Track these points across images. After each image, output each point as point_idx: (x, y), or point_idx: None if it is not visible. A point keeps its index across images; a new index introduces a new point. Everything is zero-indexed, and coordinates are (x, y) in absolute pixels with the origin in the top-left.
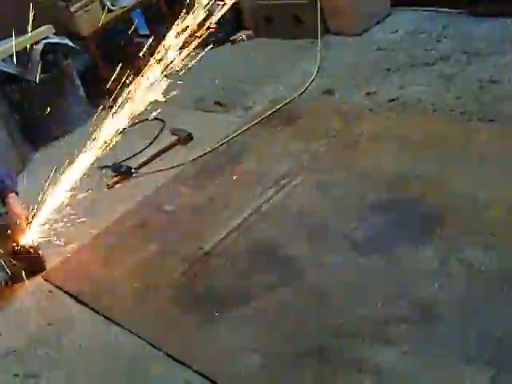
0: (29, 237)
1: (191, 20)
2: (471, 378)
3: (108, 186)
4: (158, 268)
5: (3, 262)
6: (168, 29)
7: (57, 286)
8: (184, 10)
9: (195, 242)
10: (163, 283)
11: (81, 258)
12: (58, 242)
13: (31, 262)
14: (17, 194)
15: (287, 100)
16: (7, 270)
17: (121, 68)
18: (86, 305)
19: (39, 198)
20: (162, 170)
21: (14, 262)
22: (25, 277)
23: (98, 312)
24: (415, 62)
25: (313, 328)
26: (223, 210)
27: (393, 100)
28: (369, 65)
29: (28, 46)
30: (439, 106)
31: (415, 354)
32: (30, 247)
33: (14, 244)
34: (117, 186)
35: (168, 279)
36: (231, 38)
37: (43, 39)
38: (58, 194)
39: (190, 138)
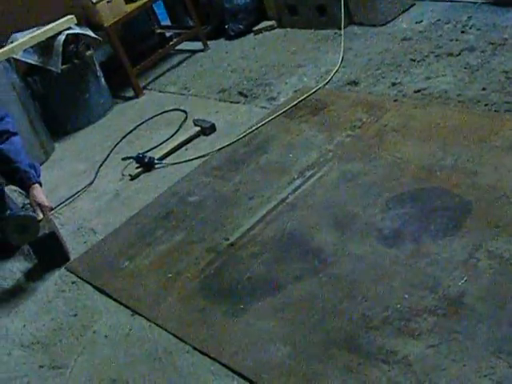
0: (52, 227)
1: None
2: (500, 371)
3: (131, 177)
4: (183, 259)
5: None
6: (190, 19)
7: (80, 277)
8: None
9: (221, 232)
10: (189, 274)
11: (105, 249)
12: (81, 233)
13: (54, 253)
14: (40, 184)
15: (312, 90)
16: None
17: (142, 58)
18: (110, 296)
19: (63, 189)
20: (185, 161)
21: (37, 252)
22: (48, 267)
23: (123, 303)
24: (440, 53)
25: (341, 319)
26: (249, 200)
27: (418, 91)
28: (393, 55)
29: (50, 36)
30: (465, 96)
31: (443, 346)
32: (54, 238)
33: (38, 235)
34: (140, 177)
35: (194, 270)
36: (254, 29)
37: (65, 30)
38: (81, 185)
39: (213, 128)
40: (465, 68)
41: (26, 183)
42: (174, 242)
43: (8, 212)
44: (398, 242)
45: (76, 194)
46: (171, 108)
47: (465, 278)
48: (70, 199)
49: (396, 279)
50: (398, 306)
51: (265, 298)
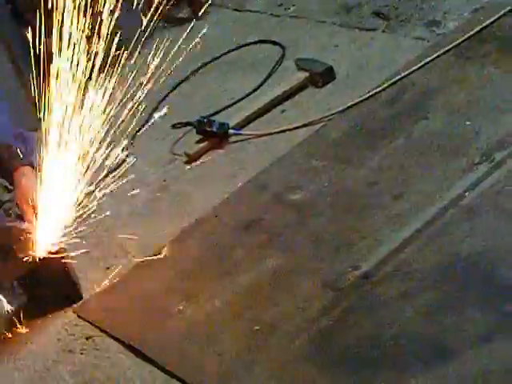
0: (48, 243)
1: None
2: None
3: (188, 157)
4: (279, 299)
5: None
6: None
7: (100, 328)
8: None
9: (345, 256)
10: (290, 327)
11: (143, 280)
12: (103, 252)
13: (56, 288)
14: (33, 167)
15: (501, 12)
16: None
17: None
18: (153, 363)
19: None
20: (281, 131)
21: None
22: (46, 310)
23: (176, 376)
24: None
25: None
26: (393, 201)
27: None
28: None
29: None
30: None
31: None
32: (53, 261)
33: (24, 255)
34: (203, 157)
35: (299, 320)
36: None
37: None
38: (102, 170)
39: (329, 74)
40: None
41: (7, 165)
42: (265, 270)
43: None
44: None
45: (94, 185)
46: (257, 39)
47: None
48: (84, 195)
49: None
50: None
51: (424, 370)
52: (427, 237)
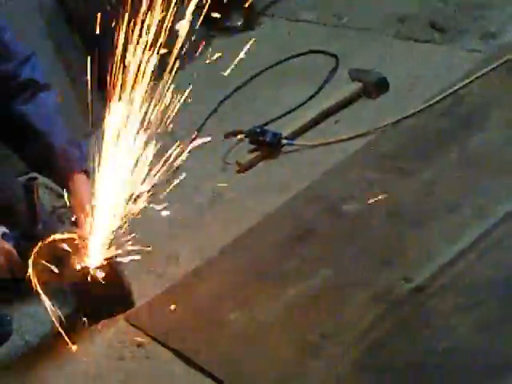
0: (101, 251)
1: None
2: None
3: (241, 166)
4: (331, 311)
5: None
6: None
7: (152, 337)
8: None
9: (397, 268)
10: (340, 338)
11: (196, 288)
12: (155, 260)
13: (108, 293)
14: (87, 174)
15: None
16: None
17: None
18: (199, 368)
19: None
20: (335, 142)
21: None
22: (96, 317)
23: (220, 382)
24: None
25: None
26: (448, 214)
27: None
28: None
29: None
30: None
31: None
32: (106, 268)
33: (78, 264)
34: (256, 166)
35: (349, 333)
36: None
37: None
38: (153, 181)
39: (383, 85)
40: None
41: (61, 171)
42: (316, 282)
43: (39, 226)
44: None
45: (146, 193)
46: (309, 50)
47: None
48: (136, 202)
49: None
50: None
51: None
52: (482, 250)
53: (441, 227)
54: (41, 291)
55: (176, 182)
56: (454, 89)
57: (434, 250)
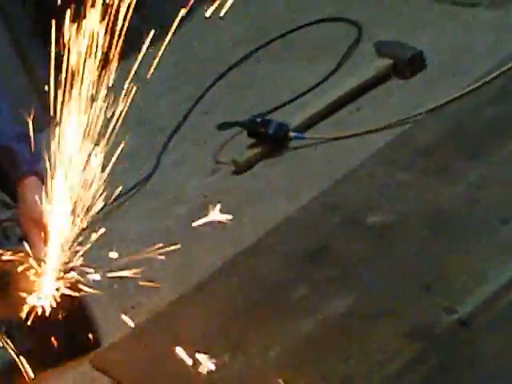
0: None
1: None
2: None
3: (238, 166)
4: (351, 351)
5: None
6: None
7: None
8: None
9: (437, 295)
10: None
11: (176, 322)
12: (127, 287)
13: (69, 330)
14: (41, 178)
15: None
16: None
17: None
18: None
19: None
20: (356, 135)
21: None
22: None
23: None
24: None
25: None
26: (500, 225)
27: None
28: None
29: None
30: None
31: None
32: (65, 299)
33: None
34: (257, 166)
35: (375, 376)
36: None
37: None
38: (128, 180)
39: (419, 62)
40: None
41: (9, 174)
42: (333, 313)
43: None
44: None
45: (118, 199)
46: (325, 17)
47: None
48: (106, 212)
49: None
50: None
51: None
52: None
53: (491, 243)
54: None
55: (148, 188)
56: (508, 66)
57: (482, 271)
